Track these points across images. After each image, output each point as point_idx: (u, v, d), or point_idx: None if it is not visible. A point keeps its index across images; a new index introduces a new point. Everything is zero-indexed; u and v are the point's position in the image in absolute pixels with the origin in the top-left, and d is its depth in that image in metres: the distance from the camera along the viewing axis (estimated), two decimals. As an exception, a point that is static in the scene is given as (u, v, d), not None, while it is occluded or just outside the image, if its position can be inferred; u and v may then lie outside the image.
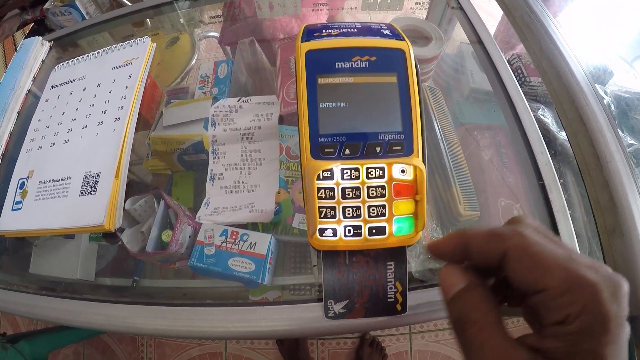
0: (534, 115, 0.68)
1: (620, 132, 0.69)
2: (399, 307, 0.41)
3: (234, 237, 0.55)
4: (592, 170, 0.50)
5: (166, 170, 0.67)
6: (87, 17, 2.07)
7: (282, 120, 0.59)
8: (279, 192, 0.59)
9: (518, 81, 0.76)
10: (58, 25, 2.10)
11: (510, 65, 0.77)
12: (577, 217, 0.58)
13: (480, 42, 0.67)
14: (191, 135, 0.59)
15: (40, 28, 2.24)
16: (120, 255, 0.64)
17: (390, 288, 0.41)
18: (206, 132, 0.60)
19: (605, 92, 0.74)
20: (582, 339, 0.22)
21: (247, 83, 0.70)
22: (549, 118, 0.69)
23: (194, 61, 0.85)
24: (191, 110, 0.61)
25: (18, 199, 0.55)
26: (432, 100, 0.66)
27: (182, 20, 0.79)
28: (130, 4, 1.08)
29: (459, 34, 0.70)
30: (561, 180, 0.66)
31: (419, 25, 0.70)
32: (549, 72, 0.56)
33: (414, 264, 0.56)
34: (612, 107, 0.73)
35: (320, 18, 0.84)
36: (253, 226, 0.58)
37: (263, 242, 0.55)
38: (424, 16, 0.83)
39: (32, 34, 2.24)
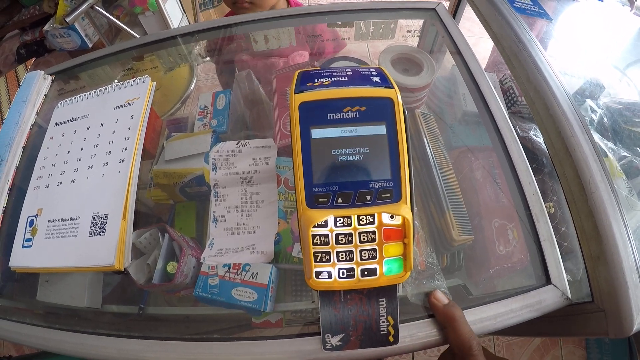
0: (525, 136, 0.70)
1: (613, 145, 0.71)
2: (391, 338, 0.44)
3: (236, 267, 0.58)
4: (578, 199, 0.52)
5: (168, 200, 0.69)
6: (86, 39, 2.09)
7: (279, 152, 0.61)
8: (278, 223, 0.62)
9: (510, 101, 0.78)
10: (57, 47, 2.12)
11: (502, 85, 0.79)
12: (571, 233, 0.60)
13: (459, 52, 0.69)
14: (192, 170, 0.61)
15: (40, 49, 2.26)
16: (125, 282, 0.66)
17: (383, 322, 0.43)
18: (207, 165, 0.62)
19: (598, 105, 0.75)
20: None
21: (245, 115, 0.72)
22: (541, 137, 0.71)
23: (192, 86, 0.87)
24: (192, 144, 0.64)
25: (28, 236, 0.58)
26: (425, 126, 0.68)
27: (180, 54, 0.81)
28: (135, 34, 1.10)
29: (450, 58, 0.72)
30: (554, 198, 0.68)
31: (411, 54, 0.72)
32: (536, 102, 0.57)
33: (410, 288, 0.58)
34: (605, 119, 0.74)
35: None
36: (254, 256, 0.60)
37: (264, 272, 0.57)
38: (416, 44, 0.85)
39: (31, 54, 2.26)
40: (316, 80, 0.43)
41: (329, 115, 0.40)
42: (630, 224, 0.61)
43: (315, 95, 0.40)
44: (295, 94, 0.41)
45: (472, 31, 0.83)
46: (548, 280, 0.50)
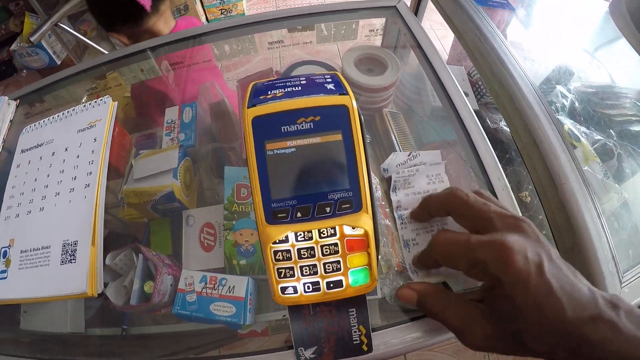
0: (496, 127, 0.70)
1: (585, 129, 0.70)
2: (364, 347, 0.44)
3: (212, 282, 0.57)
4: (548, 192, 0.51)
5: (142, 218, 0.68)
6: (54, 57, 2.08)
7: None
8: (252, 234, 0.61)
9: (479, 93, 0.77)
10: (26, 66, 2.11)
11: (471, 77, 0.78)
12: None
13: (421, 49, 0.68)
14: (162, 187, 0.61)
15: (9, 69, 2.24)
16: (107, 304, 0.66)
17: (355, 332, 0.43)
18: (176, 181, 0.62)
19: (569, 90, 0.75)
20: (490, 291, 0.36)
21: (212, 127, 0.71)
22: (511, 127, 0.70)
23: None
24: (160, 160, 0.63)
25: (2, 267, 0.57)
26: (394, 125, 0.67)
27: (142, 69, 0.80)
28: (102, 49, 1.10)
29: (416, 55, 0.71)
30: (530, 187, 0.67)
31: (375, 53, 0.71)
32: (501, 95, 0.57)
33: (387, 290, 0.58)
34: (576, 104, 0.74)
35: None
36: (230, 270, 0.60)
37: (241, 285, 0.57)
38: (380, 42, 0.84)
39: (0, 75, 2.23)
40: (269, 92, 0.42)
41: (282, 128, 0.39)
42: (608, 207, 0.61)
43: (267, 109, 0.39)
44: (247, 108, 0.40)
45: (442, 24, 0.82)
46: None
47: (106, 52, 1.40)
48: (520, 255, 0.33)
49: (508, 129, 0.68)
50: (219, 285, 0.57)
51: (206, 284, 0.57)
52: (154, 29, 1.10)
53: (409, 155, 0.55)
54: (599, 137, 0.68)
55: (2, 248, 0.59)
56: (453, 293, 0.43)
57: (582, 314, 0.31)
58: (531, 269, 0.33)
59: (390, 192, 0.53)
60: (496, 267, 0.34)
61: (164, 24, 1.12)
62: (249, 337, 0.70)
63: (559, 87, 0.71)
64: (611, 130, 0.70)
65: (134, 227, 0.73)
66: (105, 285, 0.58)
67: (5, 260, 0.58)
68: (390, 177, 0.55)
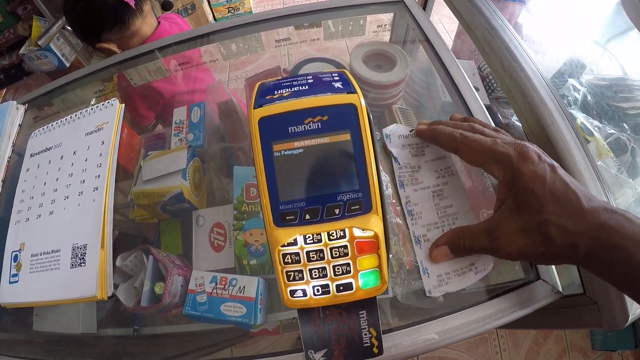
0: (508, 122, 0.68)
1: (598, 123, 0.69)
2: (375, 350, 0.43)
3: (223, 283, 0.57)
4: (562, 188, 0.50)
5: (153, 219, 0.69)
6: (63, 59, 2.09)
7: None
8: (262, 234, 0.61)
9: (489, 88, 0.76)
10: (36, 69, 2.12)
11: (481, 72, 0.77)
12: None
13: (430, 44, 0.66)
14: (171, 188, 0.61)
15: (19, 72, 2.26)
16: (118, 305, 0.67)
17: (365, 334, 0.43)
18: (185, 182, 0.62)
19: (581, 83, 0.73)
20: (512, 186, 0.41)
21: (220, 126, 0.71)
22: (524, 122, 0.69)
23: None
24: (168, 161, 0.63)
25: (14, 271, 0.57)
26: (404, 122, 0.66)
27: (150, 70, 0.80)
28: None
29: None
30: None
31: (384, 49, 0.70)
32: (512, 90, 0.55)
33: (399, 289, 0.57)
34: (589, 97, 0.72)
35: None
36: (241, 270, 0.60)
37: (251, 285, 0.57)
38: (388, 38, 0.82)
39: (11, 79, 2.25)
40: (276, 92, 0.41)
41: (290, 128, 0.38)
42: (622, 202, 0.60)
43: (274, 109, 0.39)
44: (254, 109, 0.40)
45: (452, 17, 0.80)
46: (537, 276, 0.49)
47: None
48: (537, 155, 0.41)
49: (520, 124, 0.67)
50: (229, 286, 0.57)
51: (216, 284, 0.57)
52: (141, 31, 1.13)
53: (410, 131, 0.55)
54: (612, 131, 0.67)
55: (13, 252, 0.59)
56: (468, 225, 0.46)
57: (597, 205, 0.38)
58: (546, 167, 0.40)
59: (398, 187, 0.53)
60: (517, 161, 0.40)
61: (148, 26, 1.16)
62: (261, 335, 0.70)
63: (571, 81, 0.70)
64: (624, 124, 0.69)
65: (144, 227, 0.73)
66: (116, 286, 0.58)
67: (16, 264, 0.58)
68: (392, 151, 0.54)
